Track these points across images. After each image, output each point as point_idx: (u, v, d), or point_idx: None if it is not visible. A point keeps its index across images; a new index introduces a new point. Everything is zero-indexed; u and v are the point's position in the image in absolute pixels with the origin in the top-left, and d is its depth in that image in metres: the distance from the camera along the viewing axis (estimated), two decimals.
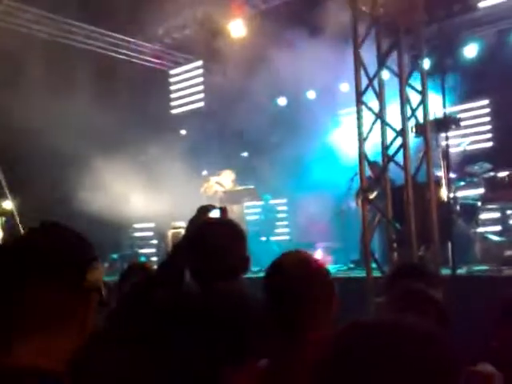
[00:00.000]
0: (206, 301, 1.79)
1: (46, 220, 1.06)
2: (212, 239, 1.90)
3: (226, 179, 8.85)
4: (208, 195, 8.59)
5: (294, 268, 1.55)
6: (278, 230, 10.05)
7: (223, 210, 2.24)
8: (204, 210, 2.23)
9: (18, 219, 7.27)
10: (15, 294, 0.94)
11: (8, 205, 7.43)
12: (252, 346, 1.55)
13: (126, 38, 11.08)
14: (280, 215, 10.46)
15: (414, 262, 4.57)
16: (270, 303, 1.57)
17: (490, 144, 8.61)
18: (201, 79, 11.33)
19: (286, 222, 10.37)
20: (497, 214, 6.85)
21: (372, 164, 5.96)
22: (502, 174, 6.59)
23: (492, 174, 6.96)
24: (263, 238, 8.77)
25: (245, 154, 11.27)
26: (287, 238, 9.93)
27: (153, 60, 11.78)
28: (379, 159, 5.93)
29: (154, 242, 10.13)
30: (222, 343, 1.65)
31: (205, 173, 9.91)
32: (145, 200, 8.91)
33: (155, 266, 3.11)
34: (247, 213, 8.73)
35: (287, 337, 1.48)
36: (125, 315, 1.92)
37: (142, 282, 2.22)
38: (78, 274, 1.00)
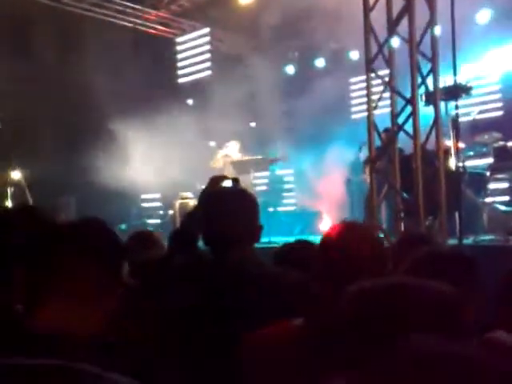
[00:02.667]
0: (232, 267, 1.83)
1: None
2: (226, 207, 1.91)
3: (233, 150, 8.85)
4: (216, 167, 8.60)
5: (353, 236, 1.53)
6: (285, 201, 10.07)
7: (236, 181, 2.24)
8: (216, 180, 2.24)
9: (27, 189, 7.32)
10: (65, 268, 1.07)
11: (17, 175, 7.47)
12: (288, 308, 1.56)
13: (132, 5, 10.92)
14: (287, 186, 10.46)
15: (419, 232, 4.57)
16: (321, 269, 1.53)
17: (499, 113, 8.50)
18: (208, 47, 11.18)
19: (293, 193, 10.38)
20: (505, 184, 6.81)
21: (385, 132, 5.90)
22: None
23: (501, 143, 6.90)
24: (271, 209, 8.80)
25: (253, 124, 11.21)
26: (294, 208, 9.95)
27: (159, 27, 11.63)
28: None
29: (162, 212, 10.19)
30: (258, 307, 1.67)
31: (212, 143, 9.88)
32: (152, 170, 8.93)
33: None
34: (255, 183, 8.74)
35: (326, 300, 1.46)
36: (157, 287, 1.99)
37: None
38: (116, 260, 1.17)
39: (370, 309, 0.84)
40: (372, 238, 1.56)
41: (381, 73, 5.82)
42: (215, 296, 1.77)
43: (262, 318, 1.56)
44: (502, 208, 6.41)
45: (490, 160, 6.72)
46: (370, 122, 5.55)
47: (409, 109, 5.36)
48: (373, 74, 5.63)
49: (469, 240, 5.51)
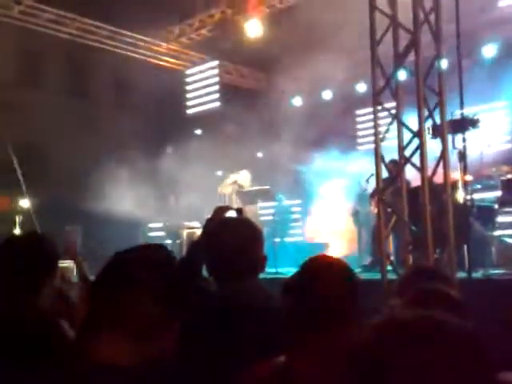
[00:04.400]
0: (232, 297, 1.81)
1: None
2: (230, 238, 1.90)
3: (245, 179, 8.88)
4: (224, 193, 8.61)
5: (328, 271, 1.53)
6: (291, 231, 10.03)
7: (240, 211, 2.24)
8: (221, 210, 2.25)
9: (34, 217, 7.35)
10: (123, 301, 1.03)
11: (25, 203, 7.52)
12: (275, 342, 1.55)
13: (143, 38, 11.15)
14: (294, 216, 10.43)
15: (429, 265, 4.52)
16: (293, 303, 1.54)
17: (508, 146, 8.50)
18: (216, 79, 11.36)
19: (299, 223, 10.35)
20: None
21: (391, 163, 5.91)
22: None
23: (509, 176, 6.88)
24: (277, 239, 8.76)
25: (259, 155, 11.27)
26: (301, 238, 9.90)
27: (169, 60, 11.84)
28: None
29: (169, 241, 10.17)
30: (247, 340, 1.65)
31: (219, 173, 9.93)
32: (160, 199, 8.95)
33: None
34: (261, 213, 8.73)
35: (312, 336, 1.47)
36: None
37: None
38: (175, 294, 1.11)
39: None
40: (340, 275, 1.55)
41: (387, 105, 5.86)
42: (217, 328, 1.75)
43: (261, 353, 1.54)
44: (511, 241, 6.33)
45: (498, 193, 6.68)
46: (378, 154, 5.55)
47: (415, 141, 5.37)
48: (379, 107, 5.67)
49: (478, 273, 5.44)
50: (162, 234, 10.54)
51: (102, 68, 10.39)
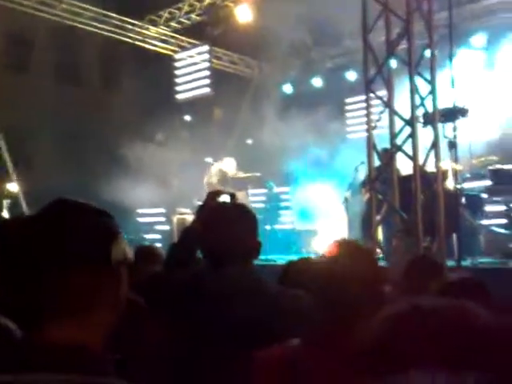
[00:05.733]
0: (228, 283, 1.80)
1: (60, 198, 0.99)
2: (226, 222, 1.89)
3: (229, 166, 8.84)
4: (211, 183, 8.58)
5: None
6: (281, 219, 10.03)
7: (233, 196, 2.23)
8: (214, 194, 2.23)
9: (23, 201, 7.27)
10: (44, 280, 0.91)
11: (14, 187, 7.43)
12: (269, 326, 1.54)
13: (131, 21, 10.99)
14: (284, 203, 10.43)
15: (427, 255, 4.55)
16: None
17: (497, 136, 8.54)
18: (206, 64, 11.23)
19: (289, 211, 10.35)
20: (502, 207, 6.81)
21: (384, 152, 5.91)
22: (508, 166, 6.56)
23: (498, 166, 6.93)
24: (267, 227, 8.76)
25: (249, 141, 11.23)
26: (291, 226, 9.92)
27: (158, 44, 11.70)
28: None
29: (159, 227, 10.14)
30: (245, 325, 1.65)
31: (209, 159, 9.88)
32: (149, 185, 8.90)
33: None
34: (252, 200, 8.71)
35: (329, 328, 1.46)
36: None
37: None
38: (102, 253, 0.95)
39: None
40: (371, 259, 1.54)
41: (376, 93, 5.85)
42: (216, 312, 1.74)
43: (260, 335, 1.54)
44: (499, 230, 6.40)
45: (487, 182, 6.73)
46: (370, 142, 5.56)
47: (406, 130, 5.38)
48: (372, 95, 5.66)
49: (467, 262, 5.49)
50: (151, 220, 10.51)
51: (89, 52, 10.22)
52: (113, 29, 10.79)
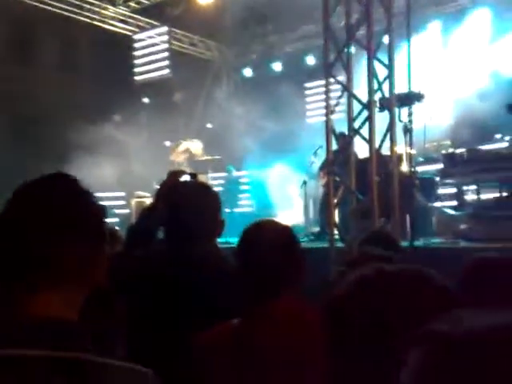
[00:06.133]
0: (184, 261, 1.81)
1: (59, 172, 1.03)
2: (190, 200, 1.89)
3: (197, 147, 8.83)
4: (176, 161, 8.54)
5: (270, 238, 1.56)
6: (241, 202, 10.09)
7: (194, 176, 2.23)
8: (175, 174, 2.21)
9: None
10: (37, 249, 0.91)
11: None
12: (227, 307, 1.58)
13: (90, 1, 10.69)
14: (243, 187, 10.48)
15: (382, 231, 4.67)
16: (243, 270, 1.59)
17: (450, 121, 8.82)
18: (166, 46, 11.07)
19: (248, 195, 10.41)
20: (453, 190, 7.07)
21: (340, 136, 6.02)
22: (460, 150, 6.80)
23: (450, 150, 7.18)
24: (227, 210, 8.79)
25: (209, 125, 11.19)
26: (250, 209, 9.99)
27: (116, 24, 11.44)
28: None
29: (118, 211, 10.00)
30: (198, 305, 1.68)
31: (168, 143, 9.81)
32: (107, 168, 8.76)
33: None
34: (212, 183, 8.72)
35: (261, 300, 1.51)
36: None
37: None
38: (95, 228, 0.98)
39: None
40: (287, 240, 1.58)
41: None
42: (178, 292, 1.75)
43: (224, 314, 1.56)
44: (450, 212, 6.65)
45: (440, 166, 6.96)
46: (328, 127, 5.65)
47: (364, 115, 5.50)
48: (332, 79, 5.74)
49: (419, 242, 5.69)
50: (109, 203, 10.35)
51: (46, 31, 9.89)
52: (70, 8, 10.47)
